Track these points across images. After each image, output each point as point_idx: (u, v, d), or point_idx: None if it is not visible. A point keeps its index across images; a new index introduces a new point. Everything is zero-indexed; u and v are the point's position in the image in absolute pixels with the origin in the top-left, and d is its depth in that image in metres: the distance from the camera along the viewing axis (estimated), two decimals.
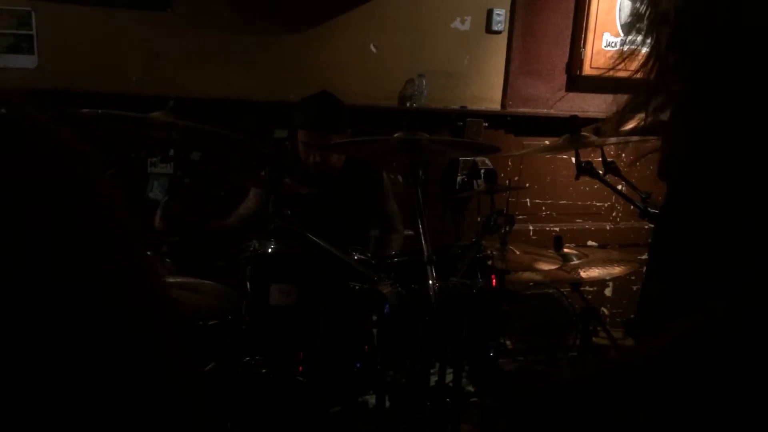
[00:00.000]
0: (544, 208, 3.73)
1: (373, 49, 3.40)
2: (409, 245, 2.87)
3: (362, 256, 2.13)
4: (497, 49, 3.55)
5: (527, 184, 3.61)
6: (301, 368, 1.97)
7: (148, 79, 3.10)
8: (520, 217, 3.52)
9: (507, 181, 3.45)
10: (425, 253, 1.82)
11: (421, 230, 1.87)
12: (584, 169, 2.31)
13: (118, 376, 0.37)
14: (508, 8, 3.52)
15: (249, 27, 3.22)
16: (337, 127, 2.52)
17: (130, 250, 0.40)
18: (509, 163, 3.64)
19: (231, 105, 3.15)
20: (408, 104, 3.42)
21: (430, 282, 1.76)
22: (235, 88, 3.21)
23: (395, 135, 2.09)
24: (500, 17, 3.50)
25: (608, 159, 2.43)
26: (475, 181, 3.43)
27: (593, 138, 2.48)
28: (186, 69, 3.15)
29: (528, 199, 3.70)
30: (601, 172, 2.39)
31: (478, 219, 3.50)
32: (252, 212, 2.61)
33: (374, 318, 1.97)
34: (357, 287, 1.95)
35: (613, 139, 2.71)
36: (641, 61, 0.85)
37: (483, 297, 2.02)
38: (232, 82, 3.21)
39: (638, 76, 0.85)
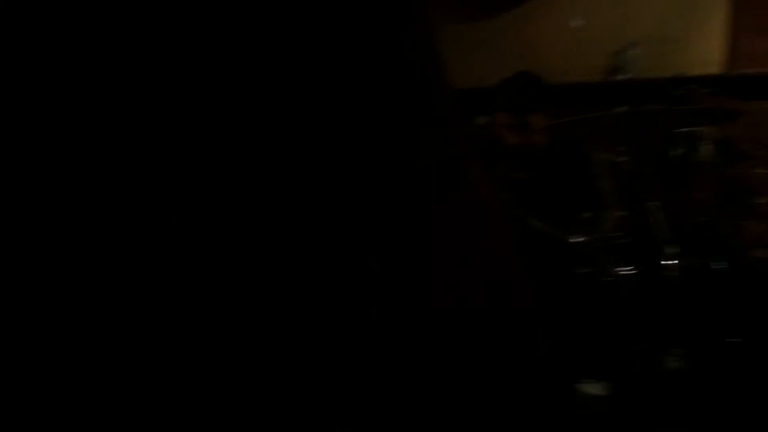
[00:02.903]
0: None
1: (576, 23, 3.27)
2: (624, 225, 2.73)
3: (582, 238, 2.07)
4: (717, 6, 3.22)
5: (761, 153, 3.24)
6: None
7: None
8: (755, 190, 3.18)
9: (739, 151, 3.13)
10: (659, 231, 1.73)
11: (655, 208, 1.78)
12: None
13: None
14: None
15: (447, 16, 3.27)
16: (536, 107, 2.47)
17: None
18: (734, 131, 3.30)
19: None
20: (617, 76, 3.24)
21: (668, 262, 1.67)
22: None
23: (618, 109, 2.00)
24: None
25: None
26: (695, 154, 3.16)
27: None
28: None
29: (760, 170, 3.31)
30: None
31: (707, 193, 3.22)
32: None
33: (604, 303, 1.91)
34: (583, 271, 1.91)
35: None
36: None
37: (725, 278, 1.86)
38: None
39: None
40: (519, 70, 2.62)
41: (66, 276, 0.32)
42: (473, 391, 0.39)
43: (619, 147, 3.23)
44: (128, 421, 0.33)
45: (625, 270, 1.82)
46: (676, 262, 1.65)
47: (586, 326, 1.99)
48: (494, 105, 2.59)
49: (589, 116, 2.14)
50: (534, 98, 2.48)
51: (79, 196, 0.31)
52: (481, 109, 3.33)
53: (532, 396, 0.40)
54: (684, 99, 3.25)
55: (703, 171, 3.19)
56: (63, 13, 0.30)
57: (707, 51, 3.27)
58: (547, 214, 2.15)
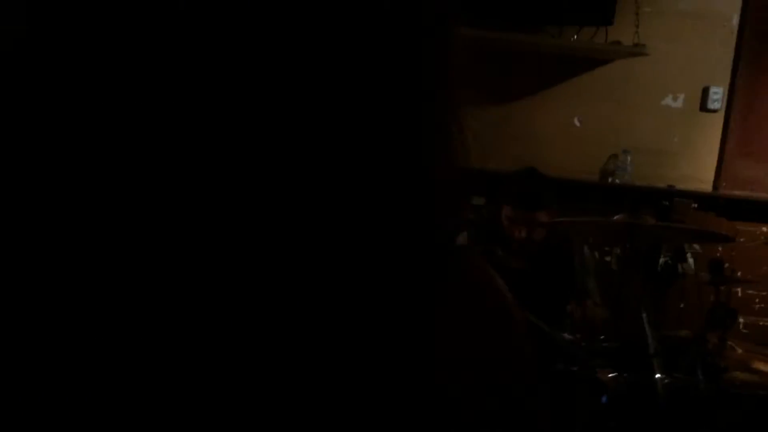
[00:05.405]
0: (758, 300, 3.41)
1: (577, 123, 3.39)
2: (607, 326, 2.76)
3: (571, 337, 2.09)
4: (712, 128, 3.38)
5: (739, 273, 3.33)
6: None
7: None
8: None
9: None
10: (650, 343, 1.75)
11: (644, 319, 1.81)
12: None
13: None
14: (727, 87, 3.35)
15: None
16: (543, 205, 2.53)
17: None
18: (719, 248, 3.40)
19: None
20: (610, 180, 3.34)
21: (658, 376, 1.68)
22: None
23: (615, 217, 2.06)
24: (717, 95, 3.34)
25: None
26: (679, 265, 3.24)
27: None
28: None
29: (739, 289, 3.40)
30: None
31: (681, 305, 3.29)
32: None
33: (584, 404, 1.91)
34: (571, 370, 1.91)
35: None
36: None
37: (707, 398, 1.88)
38: None
39: None
40: (519, 158, 2.71)
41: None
42: None
43: (611, 251, 3.30)
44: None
45: (612, 374, 1.83)
46: (664, 376, 1.67)
47: (571, 426, 1.98)
48: (501, 196, 2.63)
49: (586, 220, 2.19)
50: (539, 196, 2.54)
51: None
52: (478, 190, 3.41)
53: None
54: (672, 211, 3.35)
55: (691, 287, 3.26)
56: None
57: (699, 168, 3.40)
58: (536, 307, 2.17)
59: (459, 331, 0.37)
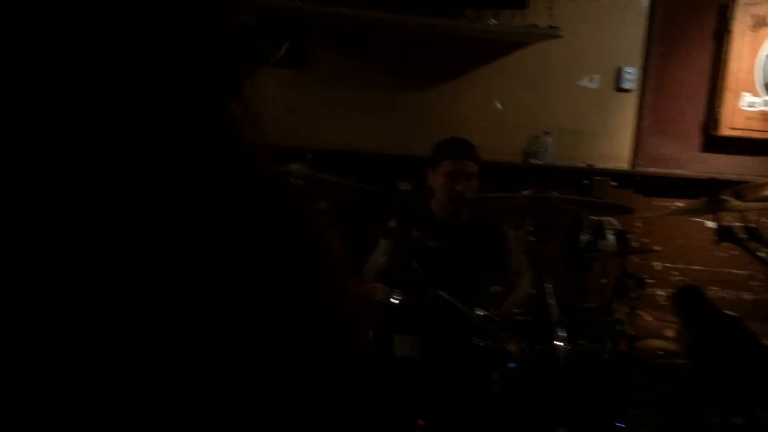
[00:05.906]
0: (674, 272, 3.53)
1: (499, 106, 3.44)
2: (532, 303, 2.81)
3: (486, 313, 2.12)
4: (627, 107, 3.48)
5: (656, 247, 3.45)
6: (422, 422, 1.97)
7: (284, 132, 3.29)
8: (649, 281, 3.36)
9: (636, 243, 3.32)
10: (553, 313, 1.78)
11: (547, 290, 1.84)
12: (726, 235, 2.19)
13: (329, 401, 0.39)
14: (639, 66, 3.45)
15: (378, 84, 3.37)
16: (476, 156, 2.60)
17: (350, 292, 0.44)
18: (637, 224, 3.50)
19: (359, 157, 3.28)
20: (532, 161, 3.40)
21: (559, 344, 1.72)
22: (364, 140, 3.34)
23: (524, 192, 2.09)
24: (631, 75, 3.43)
25: (750, 224, 2.30)
26: (600, 241, 3.32)
27: (735, 202, 2.36)
28: (318, 122, 3.33)
29: (657, 263, 3.52)
30: (742, 237, 2.26)
31: (602, 280, 3.38)
32: (385, 267, 2.63)
33: (496, 376, 1.94)
34: (482, 344, 1.94)
35: (756, 204, 2.56)
36: None
37: (613, 364, 1.94)
38: (362, 136, 3.35)
39: None
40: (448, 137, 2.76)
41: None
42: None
43: (528, 227, 3.36)
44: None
45: (518, 344, 1.86)
46: (566, 344, 1.71)
47: (484, 398, 2.01)
48: (436, 159, 2.66)
49: (498, 196, 2.23)
50: (472, 148, 2.61)
51: None
52: (404, 176, 3.42)
53: None
54: (592, 189, 3.44)
55: (602, 259, 3.35)
56: None
57: (616, 147, 3.49)
58: (458, 285, 2.20)
59: (271, 253, 0.38)
